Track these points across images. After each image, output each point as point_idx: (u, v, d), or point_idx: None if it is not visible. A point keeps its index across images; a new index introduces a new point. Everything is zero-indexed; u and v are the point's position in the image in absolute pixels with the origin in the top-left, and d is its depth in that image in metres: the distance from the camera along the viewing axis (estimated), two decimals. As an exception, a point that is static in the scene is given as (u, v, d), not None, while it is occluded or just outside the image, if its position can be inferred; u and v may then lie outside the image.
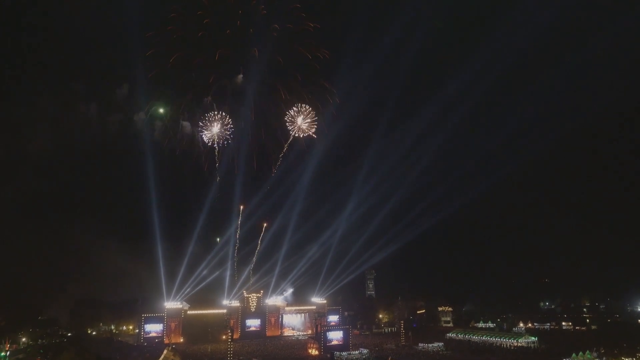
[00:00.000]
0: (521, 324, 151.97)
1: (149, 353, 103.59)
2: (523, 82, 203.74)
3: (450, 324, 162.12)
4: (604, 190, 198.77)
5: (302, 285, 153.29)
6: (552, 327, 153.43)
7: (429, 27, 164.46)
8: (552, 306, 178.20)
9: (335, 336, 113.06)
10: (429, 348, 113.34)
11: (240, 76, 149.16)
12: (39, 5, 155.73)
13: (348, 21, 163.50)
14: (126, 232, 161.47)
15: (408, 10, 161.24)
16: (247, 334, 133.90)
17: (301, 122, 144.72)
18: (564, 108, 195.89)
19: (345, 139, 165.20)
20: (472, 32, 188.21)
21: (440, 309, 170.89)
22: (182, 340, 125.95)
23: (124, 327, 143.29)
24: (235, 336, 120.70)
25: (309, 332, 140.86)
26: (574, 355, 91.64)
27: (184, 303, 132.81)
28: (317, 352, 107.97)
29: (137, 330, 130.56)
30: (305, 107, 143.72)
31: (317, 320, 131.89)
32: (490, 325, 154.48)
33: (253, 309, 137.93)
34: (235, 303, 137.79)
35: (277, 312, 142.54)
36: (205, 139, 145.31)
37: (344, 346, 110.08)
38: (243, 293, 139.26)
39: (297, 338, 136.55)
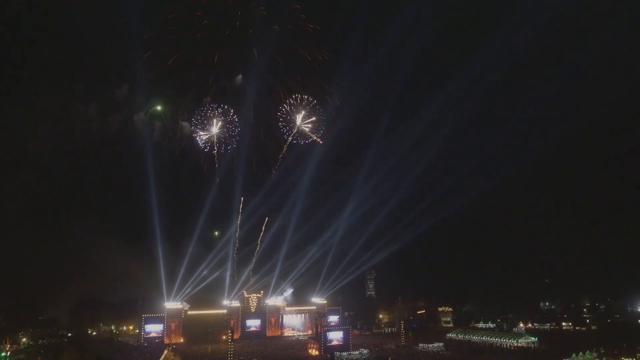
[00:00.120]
0: (521, 324, 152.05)
1: (149, 353, 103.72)
2: (523, 83, 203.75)
3: (451, 324, 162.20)
4: (604, 191, 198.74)
5: (302, 286, 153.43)
6: (552, 327, 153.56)
7: (429, 27, 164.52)
8: (552, 306, 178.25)
9: (336, 336, 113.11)
10: (429, 348, 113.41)
11: (240, 77, 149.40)
12: (38, 5, 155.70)
13: (348, 22, 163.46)
14: (126, 232, 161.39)
15: (408, 11, 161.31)
16: (247, 334, 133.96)
17: (301, 123, 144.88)
18: (565, 108, 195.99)
19: (345, 139, 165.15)
20: (472, 32, 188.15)
21: (440, 309, 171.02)
22: (182, 340, 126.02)
23: (124, 328, 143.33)
24: (236, 336, 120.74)
25: (309, 332, 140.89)
26: (574, 355, 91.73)
27: (184, 303, 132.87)
28: (317, 353, 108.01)
29: (137, 331, 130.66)
30: (304, 106, 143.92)
31: (317, 321, 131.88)
32: (491, 325, 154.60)
33: (253, 309, 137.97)
34: (236, 303, 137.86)
35: (277, 312, 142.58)
36: (204, 139, 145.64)
37: (344, 346, 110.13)
38: (243, 293, 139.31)
39: (297, 338, 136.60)
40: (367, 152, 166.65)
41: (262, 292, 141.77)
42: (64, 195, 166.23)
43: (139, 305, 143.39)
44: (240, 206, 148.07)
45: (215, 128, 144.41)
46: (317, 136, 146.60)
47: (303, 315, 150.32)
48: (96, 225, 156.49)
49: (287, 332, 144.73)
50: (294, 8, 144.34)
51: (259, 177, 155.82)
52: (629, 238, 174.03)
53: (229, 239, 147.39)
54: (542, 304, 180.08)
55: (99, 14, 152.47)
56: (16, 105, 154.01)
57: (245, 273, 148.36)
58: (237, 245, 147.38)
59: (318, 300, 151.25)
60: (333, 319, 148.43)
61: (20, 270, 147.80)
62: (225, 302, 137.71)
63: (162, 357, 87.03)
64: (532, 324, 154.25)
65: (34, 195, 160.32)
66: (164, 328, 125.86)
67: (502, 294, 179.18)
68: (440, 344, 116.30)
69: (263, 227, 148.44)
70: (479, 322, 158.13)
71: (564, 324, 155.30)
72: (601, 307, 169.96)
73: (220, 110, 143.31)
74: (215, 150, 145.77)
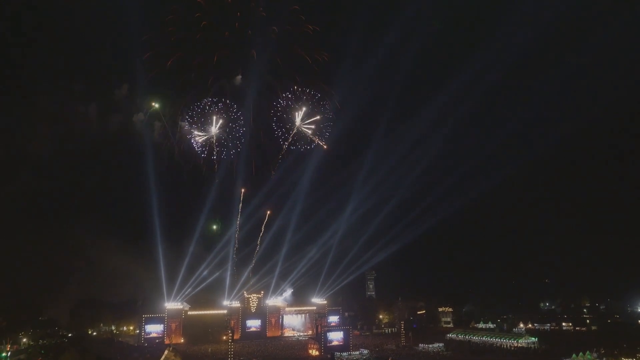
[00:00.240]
0: (521, 325, 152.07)
1: (149, 353, 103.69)
2: (522, 83, 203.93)
3: (451, 325, 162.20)
4: (605, 191, 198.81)
5: (302, 286, 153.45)
6: (552, 327, 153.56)
7: (428, 27, 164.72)
8: (552, 307, 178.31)
9: (336, 337, 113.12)
10: (429, 349, 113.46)
11: (239, 77, 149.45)
12: (38, 6, 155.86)
13: (347, 23, 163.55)
14: (126, 232, 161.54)
15: (407, 11, 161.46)
16: (247, 335, 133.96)
17: (300, 124, 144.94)
18: (565, 108, 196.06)
19: (345, 139, 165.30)
20: (471, 33, 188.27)
21: (440, 309, 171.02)
22: (182, 340, 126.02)
23: (125, 328, 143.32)
24: (236, 337, 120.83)
25: (310, 332, 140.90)
26: (574, 355, 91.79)
27: (185, 303, 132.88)
28: (317, 353, 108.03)
29: (137, 331, 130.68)
30: (304, 104, 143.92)
31: (318, 321, 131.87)
32: (491, 325, 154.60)
33: (253, 310, 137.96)
34: (236, 304, 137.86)
35: (277, 312, 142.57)
36: (203, 139, 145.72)
37: (344, 347, 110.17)
38: (243, 293, 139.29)
39: (298, 339, 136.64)
40: (367, 152, 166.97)
41: (262, 292, 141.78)
42: (64, 195, 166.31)
43: (139, 305, 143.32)
44: (241, 199, 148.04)
45: (215, 129, 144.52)
46: (321, 140, 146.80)
47: (303, 315, 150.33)
48: (96, 225, 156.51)
49: (288, 333, 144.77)
50: (294, 9, 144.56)
51: (258, 178, 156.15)
52: (629, 238, 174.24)
53: (229, 239, 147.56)
54: (542, 304, 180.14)
55: (98, 14, 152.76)
56: (16, 105, 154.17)
57: (246, 273, 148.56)
58: (236, 245, 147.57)
59: (318, 300, 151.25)
60: (333, 319, 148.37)
61: (21, 270, 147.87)
62: (226, 303, 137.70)
63: (163, 357, 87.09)
64: (532, 324, 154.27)
65: (34, 195, 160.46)
66: (164, 328, 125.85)
67: (502, 294, 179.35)
68: (441, 345, 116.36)
69: (265, 221, 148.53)
70: (479, 323, 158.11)
71: (564, 324, 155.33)
72: (601, 307, 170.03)
73: (219, 110, 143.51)
74: (215, 151, 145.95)
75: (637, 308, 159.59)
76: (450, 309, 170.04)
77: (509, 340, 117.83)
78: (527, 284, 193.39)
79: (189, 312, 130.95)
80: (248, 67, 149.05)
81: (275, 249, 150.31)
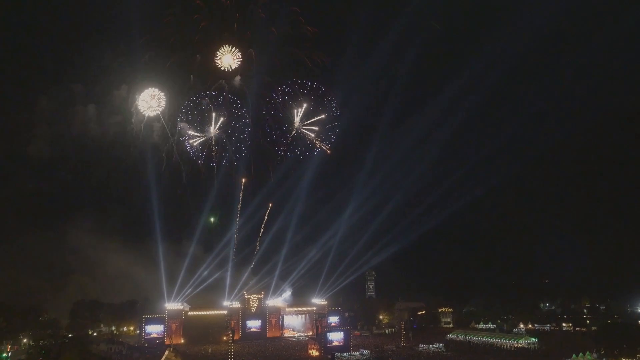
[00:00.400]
0: (521, 325, 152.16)
1: (150, 354, 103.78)
2: (522, 85, 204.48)
3: (451, 325, 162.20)
4: (605, 192, 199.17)
5: (302, 287, 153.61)
6: (552, 328, 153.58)
7: (428, 29, 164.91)
8: (552, 307, 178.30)
9: (336, 337, 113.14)
10: (430, 349, 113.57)
11: (238, 78, 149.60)
12: (38, 6, 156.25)
13: (347, 24, 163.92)
14: (126, 232, 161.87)
15: (405, 12, 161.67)
16: (247, 335, 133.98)
17: (299, 125, 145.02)
18: (565, 109, 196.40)
19: (346, 141, 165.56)
20: (471, 35, 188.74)
21: (440, 310, 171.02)
22: (183, 341, 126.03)
23: (125, 328, 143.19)
24: (236, 337, 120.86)
25: (310, 333, 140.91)
26: (574, 356, 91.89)
27: (185, 304, 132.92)
28: (317, 353, 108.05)
29: (138, 332, 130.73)
30: (303, 103, 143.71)
31: (318, 321, 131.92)
32: (491, 326, 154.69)
33: (254, 310, 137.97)
34: (236, 304, 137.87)
35: (277, 313, 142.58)
36: (202, 140, 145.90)
37: (344, 347, 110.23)
38: (244, 294, 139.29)
39: (298, 339, 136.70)
40: (367, 153, 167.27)
41: (262, 293, 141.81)
42: (64, 196, 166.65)
43: (140, 306, 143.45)
44: (241, 189, 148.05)
45: (214, 130, 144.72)
46: (324, 144, 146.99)
47: (303, 316, 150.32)
48: (96, 226, 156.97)
49: (288, 333, 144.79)
50: (293, 11, 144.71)
51: (258, 178, 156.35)
52: (629, 239, 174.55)
53: (229, 239, 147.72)
54: (542, 305, 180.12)
55: (98, 14, 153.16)
56: (16, 107, 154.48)
57: (246, 274, 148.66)
58: (236, 244, 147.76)
59: (318, 301, 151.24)
60: (333, 319, 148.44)
61: (21, 271, 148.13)
62: (226, 303, 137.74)
63: (163, 357, 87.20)
64: (532, 325, 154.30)
65: (34, 196, 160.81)
66: (164, 329, 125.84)
67: (502, 294, 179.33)
68: (441, 345, 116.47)
69: (266, 215, 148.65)
70: (479, 323, 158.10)
71: (564, 324, 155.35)
72: (601, 307, 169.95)
73: (218, 112, 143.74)
74: (214, 152, 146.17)
75: (637, 308, 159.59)
76: (451, 310, 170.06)
77: (509, 340, 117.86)
78: (527, 284, 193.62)
79: (190, 313, 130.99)
80: (247, 68, 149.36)
81: (276, 250, 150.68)
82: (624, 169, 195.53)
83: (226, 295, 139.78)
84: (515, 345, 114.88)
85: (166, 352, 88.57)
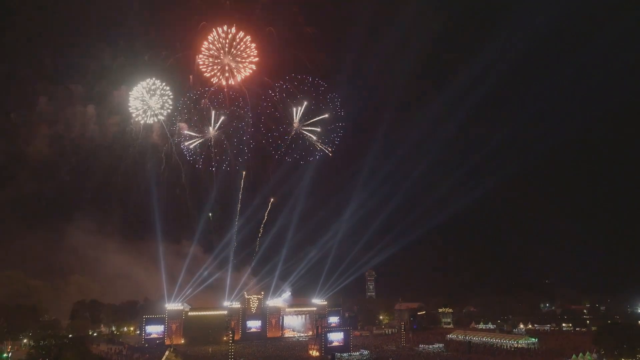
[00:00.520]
0: (521, 325, 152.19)
1: (150, 354, 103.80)
2: (521, 85, 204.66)
3: (451, 325, 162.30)
4: (605, 192, 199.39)
5: (302, 287, 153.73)
6: (552, 328, 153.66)
7: (428, 28, 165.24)
8: (552, 307, 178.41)
9: (336, 337, 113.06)
10: (430, 349, 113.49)
11: (237, 78, 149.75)
12: (38, 6, 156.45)
13: (347, 25, 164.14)
14: (126, 232, 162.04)
15: (405, 13, 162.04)
16: (248, 335, 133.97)
17: (299, 125, 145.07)
18: (565, 110, 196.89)
19: (346, 142, 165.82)
20: (474, 33, 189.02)
21: (440, 310, 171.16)
22: (183, 341, 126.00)
23: (125, 329, 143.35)
24: (236, 337, 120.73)
25: (310, 333, 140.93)
26: (574, 356, 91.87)
27: (185, 304, 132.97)
28: (317, 354, 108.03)
29: (138, 332, 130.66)
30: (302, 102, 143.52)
31: (318, 322, 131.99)
32: (491, 326, 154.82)
33: (254, 310, 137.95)
34: (236, 304, 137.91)
35: (277, 313, 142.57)
36: (201, 141, 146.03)
37: (344, 347, 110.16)
38: (244, 294, 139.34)
39: (298, 339, 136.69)
40: (367, 153, 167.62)
41: (262, 293, 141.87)
42: (64, 196, 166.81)
43: (140, 306, 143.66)
44: (242, 180, 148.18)
45: (213, 130, 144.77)
46: (326, 147, 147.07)
47: (303, 316, 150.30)
48: (96, 226, 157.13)
49: (288, 333, 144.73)
50: (293, 11, 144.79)
51: (258, 179, 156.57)
52: (629, 239, 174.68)
53: (229, 240, 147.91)
54: (542, 305, 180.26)
55: (98, 14, 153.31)
56: (17, 107, 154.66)
57: (246, 274, 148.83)
58: (235, 244, 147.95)
59: (318, 301, 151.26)
60: (333, 319, 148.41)
61: (21, 271, 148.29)
62: (226, 303, 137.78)
63: (164, 358, 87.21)
64: (533, 325, 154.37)
65: (34, 196, 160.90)
66: (164, 329, 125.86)
67: (502, 294, 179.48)
68: (441, 345, 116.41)
69: (268, 211, 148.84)
70: (479, 323, 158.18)
71: (564, 325, 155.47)
72: (601, 308, 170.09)
73: (217, 112, 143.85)
74: (213, 153, 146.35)
75: (637, 309, 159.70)
76: (451, 310, 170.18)
77: (509, 341, 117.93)
78: (527, 284, 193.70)
79: (190, 313, 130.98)
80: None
81: (276, 250, 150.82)
82: (625, 169, 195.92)
83: (226, 295, 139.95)
84: (515, 345, 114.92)
85: (166, 353, 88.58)
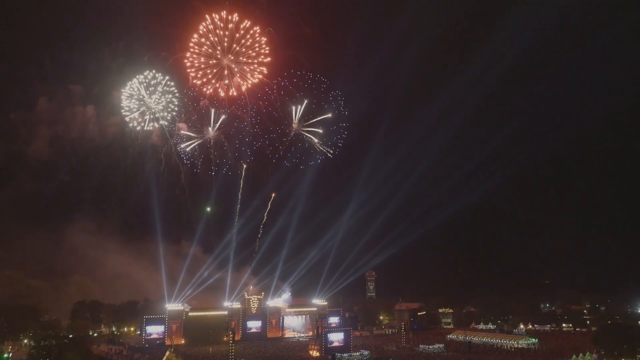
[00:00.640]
0: (522, 326, 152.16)
1: (150, 354, 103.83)
2: (521, 86, 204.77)
3: (451, 326, 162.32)
4: (605, 192, 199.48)
5: (303, 287, 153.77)
6: (552, 328, 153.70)
7: (428, 29, 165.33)
8: (553, 308, 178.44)
9: (336, 337, 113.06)
10: (430, 349, 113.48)
11: (237, 79, 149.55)
12: (38, 7, 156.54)
13: (347, 26, 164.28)
14: (126, 232, 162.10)
15: (405, 15, 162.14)
16: (248, 336, 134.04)
17: (299, 126, 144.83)
18: (565, 110, 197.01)
19: (346, 143, 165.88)
20: (475, 33, 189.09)
21: (440, 310, 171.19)
22: (183, 341, 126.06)
23: (126, 329, 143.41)
24: (237, 338, 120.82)
25: (310, 333, 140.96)
26: (574, 356, 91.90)
27: (185, 305, 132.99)
28: (318, 354, 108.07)
29: (138, 332, 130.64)
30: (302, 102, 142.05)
31: (318, 322, 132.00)
32: (491, 326, 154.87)
33: (254, 311, 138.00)
34: (237, 305, 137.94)
35: (278, 313, 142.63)
36: (200, 142, 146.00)
37: (344, 347, 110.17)
38: (244, 295, 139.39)
39: (298, 339, 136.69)
40: (367, 154, 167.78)
41: (263, 293, 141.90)
42: (64, 197, 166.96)
43: (140, 306, 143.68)
44: (242, 175, 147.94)
45: (213, 131, 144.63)
46: (327, 148, 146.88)
47: (304, 316, 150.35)
48: (96, 226, 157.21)
49: (288, 334, 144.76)
50: (291, 11, 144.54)
51: (257, 179, 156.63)
52: (629, 240, 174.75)
53: (229, 240, 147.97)
54: (542, 306, 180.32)
55: (98, 15, 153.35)
56: (17, 107, 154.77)
57: (246, 274, 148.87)
58: (235, 244, 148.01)
59: (319, 301, 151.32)
60: (334, 320, 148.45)
61: (21, 272, 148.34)
62: (226, 304, 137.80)
63: (164, 358, 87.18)
64: (533, 326, 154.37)
65: (34, 196, 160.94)
66: (165, 329, 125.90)
67: (503, 295, 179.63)
68: (441, 345, 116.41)
69: (269, 205, 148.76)
70: (479, 324, 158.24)
71: (564, 325, 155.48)
72: (601, 308, 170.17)
73: (217, 112, 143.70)
74: (212, 154, 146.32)
75: (637, 309, 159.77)
76: (451, 310, 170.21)
77: (509, 341, 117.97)
78: (527, 284, 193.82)
79: (190, 313, 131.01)
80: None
81: (276, 250, 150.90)
82: (624, 169, 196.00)
83: (226, 295, 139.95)
84: (516, 345, 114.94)
85: (167, 353, 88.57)
